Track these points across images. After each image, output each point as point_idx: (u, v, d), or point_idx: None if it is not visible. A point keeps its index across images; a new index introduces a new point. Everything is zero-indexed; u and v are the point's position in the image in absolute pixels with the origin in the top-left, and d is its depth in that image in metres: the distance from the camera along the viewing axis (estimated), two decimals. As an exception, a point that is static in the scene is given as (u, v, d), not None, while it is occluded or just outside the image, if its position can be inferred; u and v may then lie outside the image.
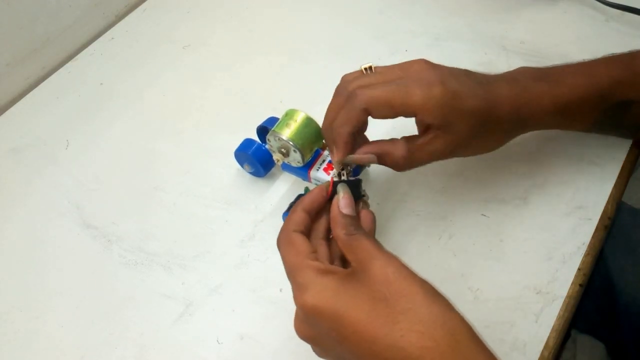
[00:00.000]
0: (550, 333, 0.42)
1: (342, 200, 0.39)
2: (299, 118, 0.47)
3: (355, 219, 0.38)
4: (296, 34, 0.69)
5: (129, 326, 0.47)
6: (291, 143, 0.46)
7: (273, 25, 0.71)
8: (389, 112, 0.42)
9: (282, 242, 0.38)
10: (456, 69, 0.44)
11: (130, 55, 0.70)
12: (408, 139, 0.44)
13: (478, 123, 0.43)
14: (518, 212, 0.49)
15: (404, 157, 0.43)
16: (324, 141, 0.47)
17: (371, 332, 0.32)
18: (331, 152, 0.43)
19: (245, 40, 0.69)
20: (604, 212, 0.48)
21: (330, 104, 0.44)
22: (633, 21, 0.62)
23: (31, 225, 0.55)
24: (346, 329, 0.33)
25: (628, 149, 0.51)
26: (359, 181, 0.42)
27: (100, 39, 0.73)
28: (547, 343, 0.42)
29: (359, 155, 0.43)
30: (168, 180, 0.56)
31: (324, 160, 0.49)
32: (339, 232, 0.37)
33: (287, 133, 0.47)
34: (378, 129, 0.46)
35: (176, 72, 0.67)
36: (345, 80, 0.44)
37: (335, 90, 0.44)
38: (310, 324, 0.36)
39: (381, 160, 0.44)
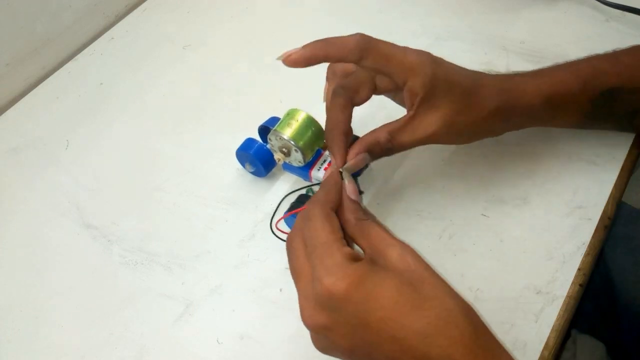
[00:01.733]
0: (550, 333, 0.42)
1: (349, 187, 0.39)
2: (301, 117, 0.47)
3: (361, 205, 0.38)
4: (296, 33, 0.69)
5: (129, 326, 0.47)
6: (292, 143, 0.46)
7: (273, 25, 0.71)
8: (383, 65, 0.42)
9: (319, 216, 0.37)
10: None
11: (130, 55, 0.70)
12: (389, 124, 0.44)
13: (463, 97, 0.43)
14: (518, 212, 0.49)
15: (387, 141, 0.44)
16: (325, 141, 0.48)
17: (398, 318, 0.32)
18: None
19: (245, 40, 0.69)
20: (604, 212, 0.48)
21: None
22: (633, 21, 0.62)
23: (31, 225, 0.55)
24: (372, 314, 0.32)
25: (628, 149, 0.51)
26: (356, 177, 0.43)
27: (100, 39, 0.73)
28: (547, 343, 0.42)
29: (354, 161, 0.43)
30: (168, 180, 0.56)
31: (325, 160, 0.49)
32: (349, 216, 0.37)
33: (288, 132, 0.47)
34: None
35: (176, 72, 0.67)
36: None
37: None
38: (331, 309, 0.34)
39: (372, 154, 0.44)
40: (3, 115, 0.66)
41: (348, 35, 0.41)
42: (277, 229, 0.47)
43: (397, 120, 0.44)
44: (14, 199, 0.57)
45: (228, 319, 0.46)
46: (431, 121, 0.43)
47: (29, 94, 0.67)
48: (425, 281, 0.33)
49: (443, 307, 0.32)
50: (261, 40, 0.69)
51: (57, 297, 0.49)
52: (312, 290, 0.34)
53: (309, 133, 0.47)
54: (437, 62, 0.43)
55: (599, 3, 0.64)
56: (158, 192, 0.55)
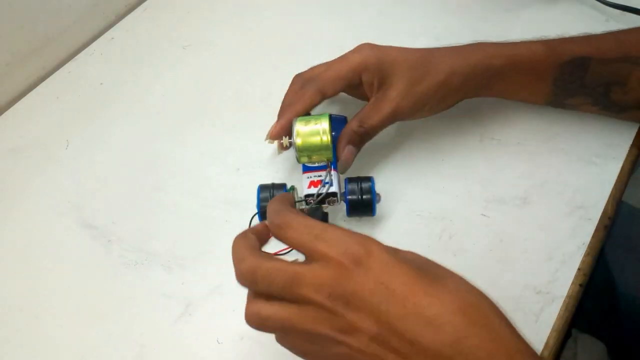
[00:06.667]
0: (550, 333, 0.42)
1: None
2: (320, 122, 0.47)
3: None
4: (296, 33, 0.69)
5: (129, 326, 0.47)
6: (294, 135, 0.47)
7: (273, 25, 0.71)
8: (340, 83, 0.49)
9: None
10: None
11: (130, 55, 0.70)
12: (357, 113, 0.49)
13: (414, 69, 0.47)
14: (518, 212, 0.49)
15: (359, 127, 0.48)
16: (327, 159, 0.48)
17: (418, 287, 0.31)
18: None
19: (246, 40, 0.69)
20: (604, 212, 0.48)
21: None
22: (633, 21, 0.62)
23: (31, 225, 0.55)
24: (397, 279, 0.32)
25: (628, 149, 0.51)
26: (325, 214, 0.44)
27: (100, 39, 0.73)
28: (547, 343, 0.42)
29: (343, 155, 0.47)
30: (168, 180, 0.56)
31: (319, 175, 0.48)
32: (300, 236, 0.36)
33: (299, 126, 0.47)
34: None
35: (176, 72, 0.67)
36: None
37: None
38: (356, 276, 0.32)
39: (353, 144, 0.48)
40: (3, 115, 0.66)
41: (294, 85, 0.51)
42: None
43: (363, 108, 0.49)
44: (14, 199, 0.57)
45: (228, 319, 0.46)
46: (391, 97, 0.47)
47: (29, 94, 0.67)
48: (428, 264, 0.34)
49: (454, 284, 0.32)
50: (261, 40, 0.69)
51: (57, 297, 0.49)
52: None
53: (314, 139, 0.47)
54: (377, 49, 0.48)
55: (599, 3, 0.64)
56: (158, 192, 0.55)
